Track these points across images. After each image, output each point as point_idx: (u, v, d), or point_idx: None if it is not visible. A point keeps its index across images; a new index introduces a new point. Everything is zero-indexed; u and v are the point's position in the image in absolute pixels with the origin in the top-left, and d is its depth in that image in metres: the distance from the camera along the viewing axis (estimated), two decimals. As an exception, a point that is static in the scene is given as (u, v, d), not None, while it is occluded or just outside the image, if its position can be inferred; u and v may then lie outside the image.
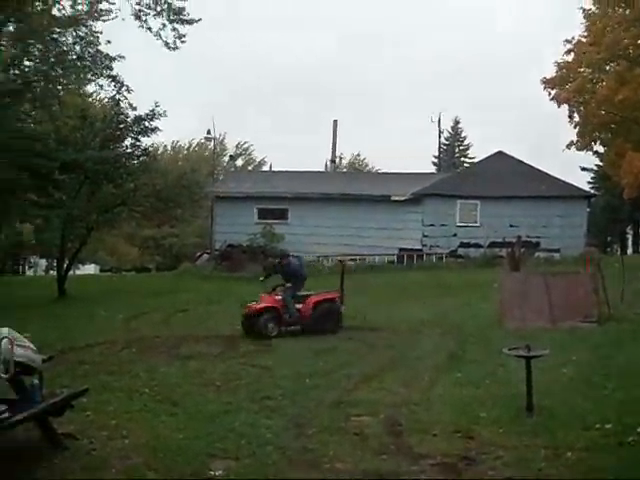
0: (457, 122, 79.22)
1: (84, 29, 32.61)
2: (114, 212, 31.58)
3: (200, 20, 32.26)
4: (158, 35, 32.09)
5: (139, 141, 31.11)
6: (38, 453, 7.78)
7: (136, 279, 43.62)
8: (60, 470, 7.33)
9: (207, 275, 36.04)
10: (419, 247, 38.83)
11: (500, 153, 40.57)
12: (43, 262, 61.84)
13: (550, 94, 42.41)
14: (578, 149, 44.07)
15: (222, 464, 7.52)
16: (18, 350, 7.44)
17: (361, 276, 32.63)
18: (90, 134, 30.14)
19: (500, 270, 21.43)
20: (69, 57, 31.75)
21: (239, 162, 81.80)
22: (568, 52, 42.22)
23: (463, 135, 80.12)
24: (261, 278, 19.03)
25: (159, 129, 31.12)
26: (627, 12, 39.04)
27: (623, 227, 61.73)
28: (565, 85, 41.80)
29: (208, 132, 54.80)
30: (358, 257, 38.05)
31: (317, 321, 17.47)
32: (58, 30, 32.28)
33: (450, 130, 78.59)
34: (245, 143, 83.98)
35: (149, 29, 32.01)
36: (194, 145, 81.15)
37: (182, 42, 32.41)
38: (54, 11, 32.64)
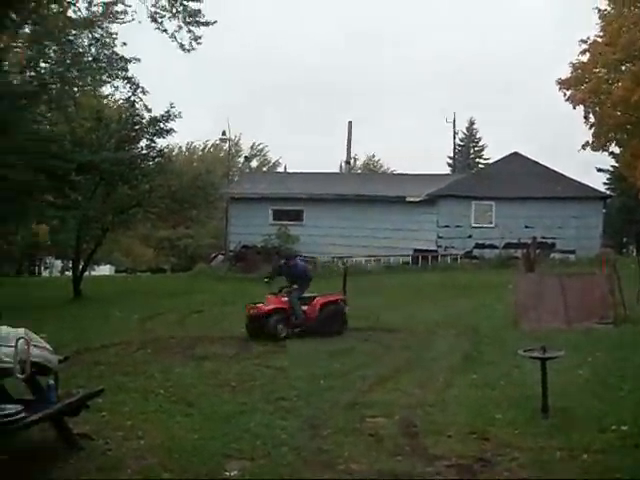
0: (472, 123, 79.14)
1: (100, 31, 32.80)
2: (129, 213, 31.67)
3: (216, 22, 32.39)
4: (173, 37, 32.24)
5: (154, 142, 31.24)
6: (54, 453, 7.80)
7: (151, 280, 43.71)
8: (75, 470, 7.35)
9: (222, 276, 36.07)
10: (434, 248, 38.75)
11: (515, 154, 40.41)
12: (59, 263, 62.03)
13: (565, 95, 42.36)
14: (593, 150, 44.00)
15: (237, 465, 7.53)
16: (34, 350, 7.47)
17: (376, 277, 32.71)
18: (105, 135, 30.24)
19: (515, 271, 21.37)
20: (85, 59, 31.90)
21: (254, 163, 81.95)
22: (583, 52, 42.13)
23: (478, 136, 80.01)
24: (265, 279, 18.77)
25: (174, 130, 31.24)
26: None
27: (639, 228, 61.37)
28: (580, 86, 41.68)
29: (223, 133, 55.08)
30: (373, 258, 38.06)
31: (323, 323, 17.36)
32: (74, 32, 32.46)
33: (465, 131, 78.48)
34: (260, 144, 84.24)
35: (165, 31, 32.17)
36: (209, 146, 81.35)
37: (198, 44, 32.56)
38: (70, 13, 32.85)
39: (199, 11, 31.80)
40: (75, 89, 32.69)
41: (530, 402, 9.31)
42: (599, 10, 41.03)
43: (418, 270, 36.36)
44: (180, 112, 30.64)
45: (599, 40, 41.21)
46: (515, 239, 35.61)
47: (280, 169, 74.89)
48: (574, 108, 42.59)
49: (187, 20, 31.88)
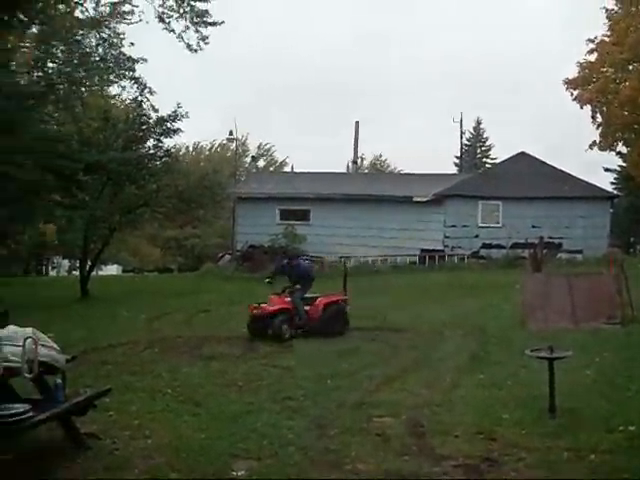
0: (479, 123, 79.08)
1: (107, 31, 32.85)
2: (136, 213, 31.71)
3: (223, 23, 32.42)
4: (181, 37, 32.30)
5: (161, 142, 31.24)
6: (61, 452, 7.83)
7: (158, 280, 43.77)
8: (83, 470, 7.37)
9: (229, 276, 36.11)
10: (441, 248, 38.69)
11: (522, 154, 40.33)
12: (66, 263, 62.14)
13: (572, 95, 42.31)
14: (601, 149, 43.96)
15: (244, 464, 7.54)
16: (42, 350, 7.49)
17: (383, 277, 32.70)
18: (113, 135, 30.27)
19: (522, 271, 21.35)
20: (92, 59, 31.92)
21: (261, 163, 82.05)
22: (591, 52, 42.07)
23: (485, 136, 79.93)
24: (267, 280, 18.65)
25: (181, 130, 31.24)
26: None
27: (646, 228, 61.25)
28: (588, 85, 41.63)
29: (230, 133, 55.00)
30: (380, 258, 38.05)
31: (326, 323, 17.30)
32: (81, 32, 32.51)
33: (472, 131, 78.42)
34: (267, 144, 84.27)
35: (172, 31, 32.23)
36: (216, 146, 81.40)
37: (205, 44, 32.61)
38: (77, 13, 32.92)
39: (206, 11, 31.87)
40: (82, 89, 32.71)
41: (537, 402, 9.31)
42: (606, 10, 41.03)
43: (425, 270, 36.32)
44: (187, 112, 30.71)
45: (606, 39, 41.17)
46: (522, 239, 35.56)
47: (287, 169, 74.95)
48: (581, 108, 42.64)
49: (194, 20, 31.95)
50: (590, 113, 42.73)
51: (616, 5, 40.78)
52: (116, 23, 33.13)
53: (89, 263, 31.39)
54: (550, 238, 34.65)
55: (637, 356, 12.55)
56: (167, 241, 62.69)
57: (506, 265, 34.16)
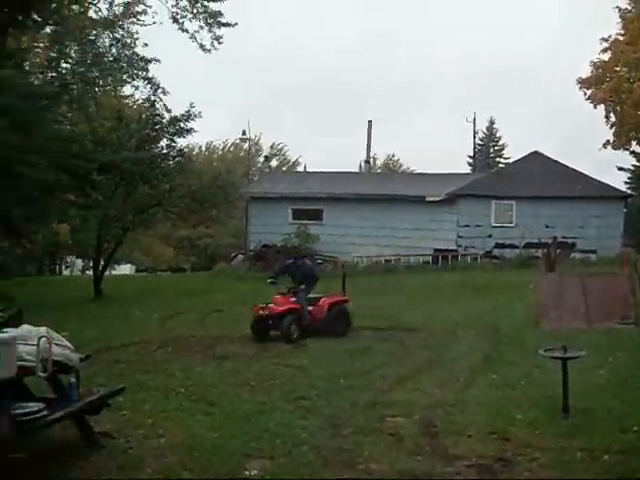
0: (492, 122, 78.87)
1: (120, 31, 32.99)
2: (150, 213, 31.82)
3: (236, 24, 32.53)
4: (194, 38, 32.42)
5: (174, 142, 31.37)
6: (75, 451, 7.86)
7: (171, 279, 43.87)
8: (96, 469, 7.40)
9: (242, 275, 36.08)
10: (454, 248, 38.58)
11: (535, 153, 40.18)
12: (79, 262, 62.24)
13: (586, 94, 42.13)
14: (614, 149, 43.74)
15: (257, 464, 7.55)
16: (56, 349, 7.52)
17: (396, 276, 32.64)
18: (126, 135, 30.37)
19: (536, 271, 21.30)
20: (105, 59, 32.08)
21: (274, 163, 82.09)
22: (604, 51, 41.88)
23: (498, 135, 79.73)
24: (270, 280, 18.48)
25: (194, 130, 31.36)
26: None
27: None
28: (601, 85, 41.46)
29: (243, 133, 55.13)
30: (393, 258, 38.00)
31: (329, 323, 17.28)
32: (95, 32, 32.65)
33: (485, 130, 78.26)
34: (280, 144, 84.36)
35: (185, 31, 32.35)
36: (229, 146, 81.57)
37: (219, 44, 32.72)
38: (91, 13, 33.06)
39: (220, 12, 31.99)
40: (96, 89, 32.90)
41: (551, 402, 9.28)
42: (619, 9, 40.84)
43: (438, 270, 36.22)
44: (200, 112, 30.83)
45: (620, 38, 40.97)
46: (535, 239, 35.44)
47: (300, 169, 74.96)
48: (595, 107, 42.42)
49: (208, 21, 32.06)
50: (604, 112, 42.57)
51: (629, 4, 40.61)
52: (129, 23, 33.31)
53: (102, 263, 31.44)
54: (563, 238, 34.49)
55: (651, 356, 12.52)
56: (180, 241, 62.75)
57: (519, 265, 34.02)
